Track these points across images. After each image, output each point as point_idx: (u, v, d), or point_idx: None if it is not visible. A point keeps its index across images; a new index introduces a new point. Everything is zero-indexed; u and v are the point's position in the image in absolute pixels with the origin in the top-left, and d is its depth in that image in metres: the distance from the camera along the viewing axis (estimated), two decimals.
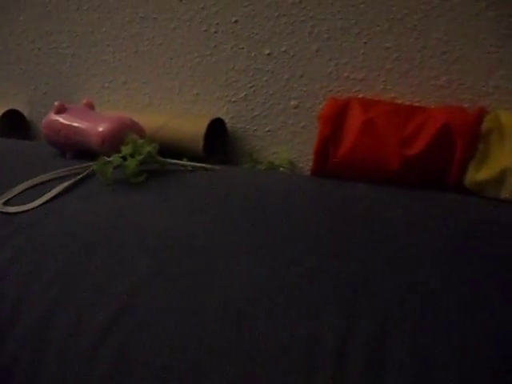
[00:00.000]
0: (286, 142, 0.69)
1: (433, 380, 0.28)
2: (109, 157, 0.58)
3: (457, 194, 0.50)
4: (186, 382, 0.32)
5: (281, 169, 0.68)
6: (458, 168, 0.51)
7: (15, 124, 0.94)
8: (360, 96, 0.63)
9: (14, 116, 0.93)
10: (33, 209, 0.51)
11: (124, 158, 0.56)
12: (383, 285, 0.35)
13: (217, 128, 0.71)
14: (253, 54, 0.68)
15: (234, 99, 0.71)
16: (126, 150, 0.56)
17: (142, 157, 0.56)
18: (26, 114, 0.95)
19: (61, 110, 0.67)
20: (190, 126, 0.68)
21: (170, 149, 0.66)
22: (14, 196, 0.54)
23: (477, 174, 0.50)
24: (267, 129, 0.70)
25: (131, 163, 0.55)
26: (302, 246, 0.40)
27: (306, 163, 0.68)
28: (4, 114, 0.91)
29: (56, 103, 0.67)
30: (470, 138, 0.50)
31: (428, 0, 0.56)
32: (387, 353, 0.30)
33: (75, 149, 0.66)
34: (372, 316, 0.32)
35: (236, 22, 0.68)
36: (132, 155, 0.57)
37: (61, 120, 0.66)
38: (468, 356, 0.29)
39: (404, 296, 0.33)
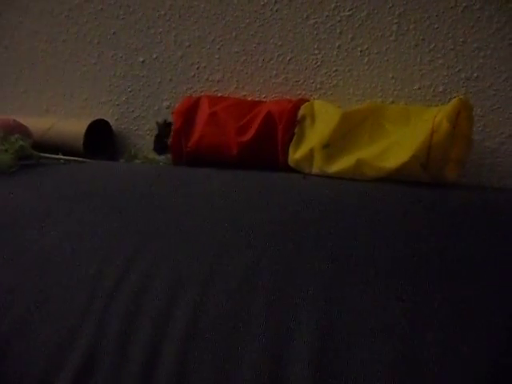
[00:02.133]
0: None
1: None
2: None
3: (281, 173, 0.58)
4: None
5: (160, 163, 0.76)
6: (282, 149, 0.59)
7: None
8: (219, 95, 0.71)
9: None
10: None
11: None
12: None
13: (105, 129, 0.78)
14: (130, 62, 0.76)
15: (117, 103, 0.78)
16: (2, 145, 0.62)
17: (14, 150, 0.63)
18: None
19: None
20: (74, 127, 0.76)
21: (58, 148, 0.73)
22: None
23: (295, 154, 0.58)
24: (146, 128, 0.77)
25: (5, 156, 0.62)
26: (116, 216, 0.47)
27: None
28: None
29: None
30: (287, 123, 0.59)
31: (263, 11, 0.66)
32: None
33: None
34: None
35: (114, 33, 0.76)
36: (6, 150, 0.63)
37: None
38: None
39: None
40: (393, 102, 0.62)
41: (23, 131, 0.71)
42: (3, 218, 0.51)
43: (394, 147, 0.52)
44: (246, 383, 0.32)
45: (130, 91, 0.77)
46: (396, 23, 0.60)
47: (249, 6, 0.67)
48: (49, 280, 0.40)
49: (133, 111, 0.78)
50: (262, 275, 0.36)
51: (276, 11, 0.65)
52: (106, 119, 0.78)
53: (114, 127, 0.79)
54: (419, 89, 0.60)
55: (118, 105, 0.78)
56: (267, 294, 0.35)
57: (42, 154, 0.66)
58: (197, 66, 0.72)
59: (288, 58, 0.66)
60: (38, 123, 0.76)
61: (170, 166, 0.67)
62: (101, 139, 0.78)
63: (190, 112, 0.65)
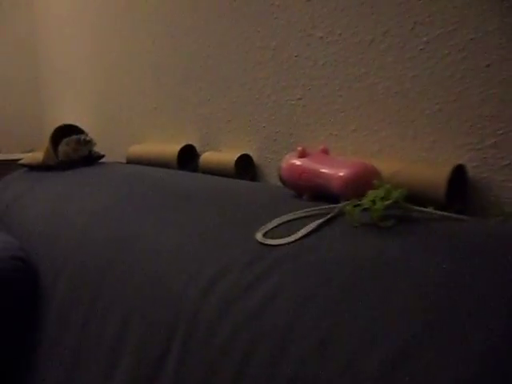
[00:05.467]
0: None
1: None
2: (348, 200, 0.61)
3: None
4: None
5: None
6: None
7: (246, 166, 1.06)
8: None
9: (245, 159, 1.05)
10: (289, 243, 0.55)
11: (372, 202, 0.56)
12: None
13: (453, 176, 0.67)
14: (506, 99, 0.63)
15: (479, 146, 0.66)
16: (377, 194, 0.56)
17: (390, 202, 0.56)
18: (254, 158, 1.06)
19: (303, 155, 0.72)
20: (429, 173, 0.66)
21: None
22: (269, 230, 0.59)
23: None
24: None
25: (379, 207, 0.55)
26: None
27: None
28: (238, 158, 1.03)
29: (299, 148, 0.72)
30: None
31: None
32: None
33: (313, 191, 0.70)
34: None
35: (488, 66, 0.64)
36: (382, 198, 0.57)
37: (303, 164, 0.71)
38: None
39: None
40: None
41: (378, 178, 0.64)
42: (368, 269, 0.42)
43: None
44: None
45: (502, 133, 0.64)
46: None
47: None
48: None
49: (502, 158, 0.64)
50: None
51: None
52: (463, 165, 0.67)
53: (470, 174, 0.67)
54: None
55: (479, 149, 0.66)
56: None
57: (414, 207, 0.58)
58: None
59: None
60: (380, 167, 0.70)
61: None
62: (450, 187, 0.66)
63: None
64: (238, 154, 1.03)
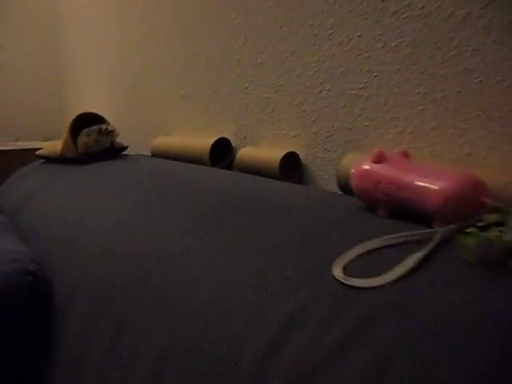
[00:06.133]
0: None
1: None
2: (446, 222, 0.46)
3: None
4: None
5: None
6: None
7: (292, 166, 0.91)
8: None
9: (292, 158, 0.91)
10: (383, 286, 0.40)
11: (499, 231, 0.41)
12: None
13: None
14: None
15: None
16: (506, 219, 0.41)
17: None
18: (301, 156, 0.91)
19: (380, 159, 0.57)
20: None
21: None
22: (349, 262, 0.45)
23: None
24: None
25: (509, 239, 0.40)
26: None
27: None
28: (284, 156, 0.89)
29: (375, 151, 0.57)
30: None
31: None
32: None
33: (394, 206, 0.55)
34: None
35: None
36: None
37: (381, 171, 0.56)
38: None
39: None
40: None
41: (486, 195, 0.49)
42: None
43: None
44: None
45: None
46: None
47: None
48: None
49: None
50: None
51: None
52: None
53: None
54: None
55: None
56: None
57: None
58: None
59: None
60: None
61: None
62: None
63: None
64: (284, 152, 0.89)
